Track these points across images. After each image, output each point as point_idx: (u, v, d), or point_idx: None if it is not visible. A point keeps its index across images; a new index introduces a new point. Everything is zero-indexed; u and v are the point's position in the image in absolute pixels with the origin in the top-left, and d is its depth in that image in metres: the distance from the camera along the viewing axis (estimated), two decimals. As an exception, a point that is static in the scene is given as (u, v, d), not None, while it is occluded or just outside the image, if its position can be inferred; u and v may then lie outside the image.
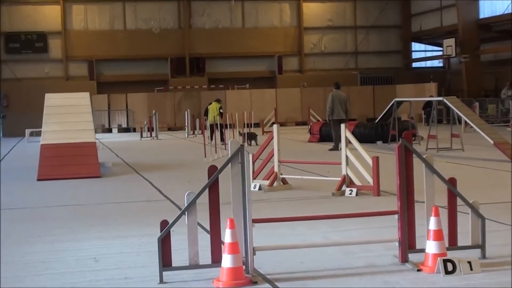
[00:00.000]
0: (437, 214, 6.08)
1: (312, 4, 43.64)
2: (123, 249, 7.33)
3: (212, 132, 22.49)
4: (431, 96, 31.42)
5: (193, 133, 30.33)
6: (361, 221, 7.96)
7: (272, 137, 11.73)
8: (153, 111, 31.01)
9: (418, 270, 6.04)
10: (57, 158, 14.88)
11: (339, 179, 11.02)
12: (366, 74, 43.93)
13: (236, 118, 20.99)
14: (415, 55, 46.56)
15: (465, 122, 21.84)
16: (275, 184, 11.71)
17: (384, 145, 21.16)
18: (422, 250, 6.16)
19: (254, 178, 11.73)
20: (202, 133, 19.60)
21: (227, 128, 21.00)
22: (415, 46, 46.20)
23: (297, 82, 41.89)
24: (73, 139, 15.53)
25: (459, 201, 6.35)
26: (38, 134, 20.52)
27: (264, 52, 42.60)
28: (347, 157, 10.94)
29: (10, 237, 8.23)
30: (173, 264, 5.97)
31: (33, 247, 7.62)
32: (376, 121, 23.38)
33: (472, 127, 18.15)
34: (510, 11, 35.94)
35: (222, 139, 21.33)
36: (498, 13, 37.26)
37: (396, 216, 6.27)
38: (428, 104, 31.05)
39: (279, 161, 11.78)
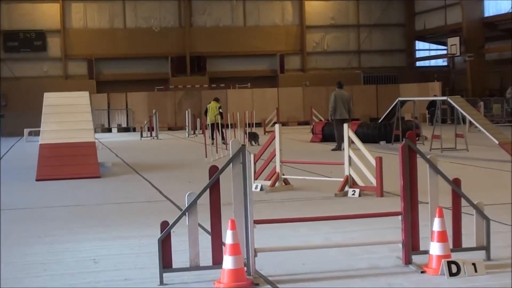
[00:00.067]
0: (441, 215, 6.05)
1: (315, 2, 43.62)
2: (123, 250, 7.29)
3: (212, 132, 22.42)
4: (435, 96, 31.34)
5: (194, 133, 30.29)
6: (364, 222, 7.95)
7: (274, 137, 11.69)
8: (153, 111, 30.97)
9: (422, 272, 6.00)
10: (56, 158, 14.83)
11: (342, 179, 10.97)
12: (369, 73, 43.89)
13: (238, 117, 20.91)
14: (419, 54, 46.50)
15: (470, 122, 21.78)
16: (276, 184, 11.67)
17: (387, 145, 21.10)
18: (426, 252, 6.13)
19: (255, 179, 11.67)
20: (203, 132, 19.56)
21: (228, 128, 20.92)
22: (419, 45, 46.16)
23: (299, 81, 41.87)
24: (72, 138, 15.47)
25: (463, 202, 6.32)
26: (37, 133, 20.49)
27: (266, 51, 42.59)
28: (350, 157, 10.89)
29: (10, 238, 8.20)
30: (174, 266, 5.94)
31: (32, 248, 7.59)
32: (379, 121, 23.31)
33: (476, 127, 18.10)
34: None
35: (223, 138, 21.24)
36: (503, 12, 37.19)
37: (399, 217, 6.24)
38: (432, 104, 31.00)
39: (281, 161, 11.73)
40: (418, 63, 46.47)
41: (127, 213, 9.84)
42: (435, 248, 6.01)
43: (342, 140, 13.17)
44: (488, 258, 6.34)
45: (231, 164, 5.91)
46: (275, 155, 11.73)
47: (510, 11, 36.33)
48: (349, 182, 10.87)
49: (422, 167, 6.33)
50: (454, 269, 5.85)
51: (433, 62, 46.57)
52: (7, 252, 7.34)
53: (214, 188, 5.91)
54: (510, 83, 35.09)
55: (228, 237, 5.68)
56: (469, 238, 6.38)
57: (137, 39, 40.87)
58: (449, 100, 18.21)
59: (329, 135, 22.16)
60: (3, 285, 6.07)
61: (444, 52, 41.83)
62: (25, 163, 18.02)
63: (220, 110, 23.66)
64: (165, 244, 5.86)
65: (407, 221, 6.18)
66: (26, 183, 13.91)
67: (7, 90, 38.16)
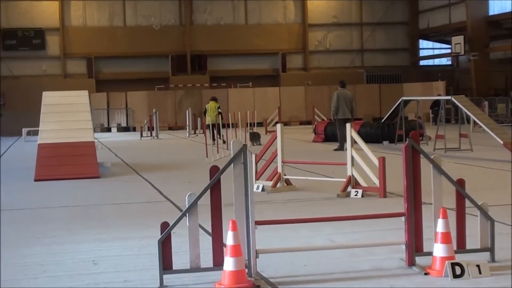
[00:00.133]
0: (445, 216, 6.02)
1: (317, 1, 43.56)
2: (123, 252, 7.25)
3: (213, 132, 22.33)
4: (439, 95, 31.31)
5: (194, 133, 30.27)
6: (367, 223, 7.94)
7: (276, 137, 11.66)
8: (154, 110, 30.93)
9: (426, 274, 5.97)
10: (54, 158, 14.77)
11: (344, 180, 10.93)
12: (372, 72, 43.84)
13: (239, 117, 20.86)
14: (422, 53, 46.46)
15: (474, 121, 21.70)
16: (278, 185, 11.63)
17: (390, 145, 21.09)
18: (430, 253, 6.10)
19: (257, 179, 11.64)
20: (204, 132, 19.51)
21: (229, 127, 20.86)
22: (423, 43, 46.13)
23: (301, 80, 41.81)
24: (71, 138, 15.41)
25: (467, 203, 6.29)
26: (35, 133, 20.42)
27: (268, 50, 42.55)
28: (352, 157, 10.85)
29: (8, 239, 8.15)
30: (174, 267, 5.91)
31: (31, 249, 7.55)
32: (383, 120, 23.26)
33: (481, 127, 18.05)
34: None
35: (224, 142, 21.12)
36: (508, 10, 37.07)
37: (402, 218, 6.21)
38: (436, 103, 30.95)
39: (283, 162, 11.69)
40: (422, 62, 46.44)
41: (127, 214, 9.80)
42: (438, 250, 5.99)
43: (345, 140, 13.12)
44: (493, 259, 6.30)
45: (232, 164, 5.88)
46: (276, 155, 11.69)
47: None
48: (352, 182, 10.83)
49: (426, 168, 6.30)
50: (458, 271, 5.82)
51: (437, 61, 46.56)
52: (6, 253, 7.30)
53: (215, 188, 5.88)
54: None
55: (229, 238, 5.65)
56: (473, 240, 6.34)
57: (137, 38, 40.84)
58: (453, 99, 18.17)
59: (332, 135, 22.11)
60: (1, 286, 6.04)
61: (448, 51, 41.79)
62: (23, 163, 17.98)
63: (219, 110, 23.58)
64: (165, 245, 5.84)
65: (411, 222, 6.14)
66: (25, 183, 13.86)
67: (5, 89, 38.00)
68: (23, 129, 30.23)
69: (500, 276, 5.86)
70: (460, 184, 6.28)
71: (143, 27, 41.44)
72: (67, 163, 14.61)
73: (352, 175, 10.84)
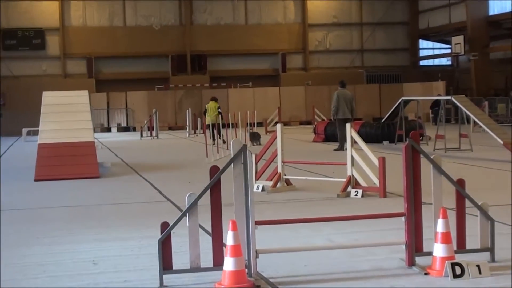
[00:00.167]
0: (445, 216, 6.01)
1: (317, 1, 43.53)
2: (123, 252, 7.24)
3: (213, 132, 22.31)
4: (439, 95, 31.29)
5: (194, 133, 30.25)
6: (367, 223, 7.93)
7: (276, 137, 11.65)
8: (154, 110, 30.91)
9: (425, 274, 5.97)
10: (54, 158, 14.75)
11: (344, 180, 10.92)
12: (372, 72, 43.82)
13: (239, 117, 20.84)
14: (422, 53, 46.43)
15: (474, 121, 21.69)
16: (278, 185, 11.62)
17: (390, 145, 21.07)
18: (430, 253, 6.10)
19: (257, 179, 11.63)
20: (204, 132, 19.50)
21: (229, 127, 20.85)
22: (423, 43, 46.09)
23: (301, 80, 41.79)
24: (71, 138, 15.39)
25: (467, 203, 6.28)
26: (35, 133, 20.41)
27: (268, 50, 42.53)
28: (352, 157, 10.84)
29: (8, 239, 8.15)
30: (174, 267, 5.90)
31: (31, 249, 7.54)
32: (383, 120, 23.25)
33: (481, 127, 18.03)
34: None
35: (224, 142, 21.11)
36: (508, 10, 37.04)
37: (402, 218, 6.21)
38: (436, 103, 30.93)
39: (283, 162, 11.68)
40: (422, 62, 46.40)
41: (127, 214, 9.80)
42: (438, 250, 5.98)
43: (345, 140, 13.11)
44: (493, 259, 6.29)
45: (232, 164, 5.87)
46: (276, 155, 11.68)
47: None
48: (352, 182, 10.82)
49: (426, 168, 6.29)
50: (458, 271, 5.81)
51: (437, 61, 46.52)
52: (6, 253, 7.29)
53: (215, 188, 5.87)
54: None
55: (229, 238, 5.65)
56: (473, 240, 6.34)
57: (137, 38, 40.81)
58: (453, 99, 18.15)
59: (332, 135, 22.10)
60: (1, 286, 6.04)
61: (448, 51, 41.75)
62: (23, 163, 17.97)
63: (219, 110, 23.57)
64: (165, 245, 5.83)
65: (411, 222, 6.14)
66: (25, 183, 13.85)
67: (5, 89, 37.96)
68: (23, 129, 30.21)
69: (500, 276, 5.85)
70: (460, 184, 6.27)
71: (143, 27, 41.41)
72: (67, 163, 14.60)
73: (352, 175, 10.83)
